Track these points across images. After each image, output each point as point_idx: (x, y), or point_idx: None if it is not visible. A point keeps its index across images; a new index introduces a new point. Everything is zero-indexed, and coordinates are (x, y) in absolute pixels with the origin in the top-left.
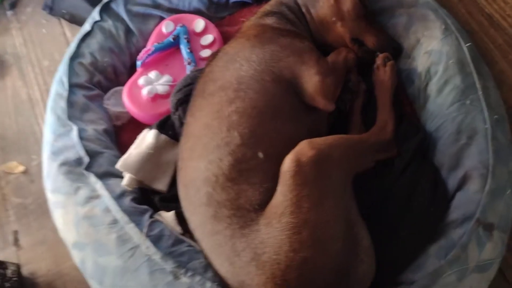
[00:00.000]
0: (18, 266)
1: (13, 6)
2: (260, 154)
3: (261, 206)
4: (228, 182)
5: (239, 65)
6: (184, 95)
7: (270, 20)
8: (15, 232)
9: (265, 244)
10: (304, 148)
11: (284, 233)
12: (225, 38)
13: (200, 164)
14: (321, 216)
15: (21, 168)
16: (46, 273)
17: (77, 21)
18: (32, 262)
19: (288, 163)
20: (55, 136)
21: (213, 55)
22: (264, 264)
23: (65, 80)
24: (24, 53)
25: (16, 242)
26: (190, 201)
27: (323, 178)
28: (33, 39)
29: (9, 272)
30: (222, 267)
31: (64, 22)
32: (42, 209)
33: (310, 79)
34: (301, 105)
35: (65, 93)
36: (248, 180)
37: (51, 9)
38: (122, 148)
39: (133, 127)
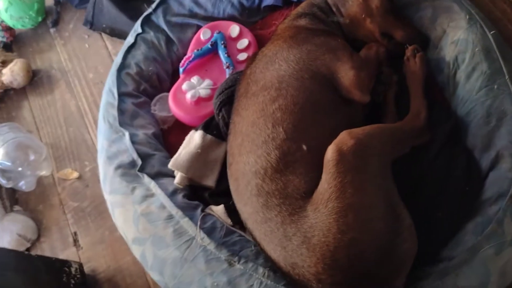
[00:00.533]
0: (80, 265)
1: (55, 23)
2: (304, 147)
3: (307, 194)
4: (276, 173)
5: (278, 66)
6: (227, 97)
7: (303, 21)
8: (75, 234)
9: (314, 228)
10: (344, 138)
11: (331, 217)
12: (259, 41)
13: (250, 159)
14: (364, 200)
15: (75, 174)
16: (106, 269)
17: (117, 34)
18: (92, 260)
19: (330, 153)
20: (109, 142)
21: (252, 58)
22: (314, 247)
23: (114, 90)
24: (69, 67)
25: (76, 242)
26: (241, 193)
27: (363, 165)
28: (77, 54)
29: (73, 270)
30: (275, 252)
31: (105, 35)
32: (98, 211)
33: (346, 74)
34: (338, 98)
35: (115, 102)
36: (295, 171)
37: (91, 24)
38: (170, 149)
39: (179, 129)
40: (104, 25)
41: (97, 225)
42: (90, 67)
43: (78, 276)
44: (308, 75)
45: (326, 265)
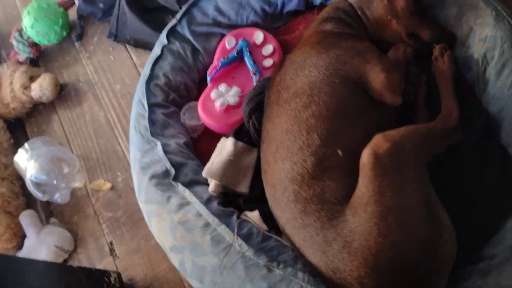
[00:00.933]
0: (119, 274)
1: (80, 37)
2: (340, 152)
3: (345, 199)
4: (313, 179)
5: (308, 72)
6: (256, 104)
7: (329, 26)
8: (111, 243)
9: (354, 232)
10: (379, 141)
11: (371, 221)
12: (283, 46)
13: (286, 166)
14: (403, 202)
15: (108, 185)
16: (143, 278)
17: (141, 45)
18: (130, 269)
19: (366, 156)
20: (141, 153)
21: (280, 65)
22: (356, 251)
23: (144, 101)
24: (96, 79)
25: (112, 252)
26: (278, 200)
27: (400, 167)
28: (102, 66)
29: (112, 279)
30: (315, 257)
31: (129, 47)
32: (132, 220)
33: (376, 77)
34: (370, 101)
35: (146, 113)
36: (331, 176)
37: (115, 37)
38: (201, 157)
39: (208, 137)
40: (128, 37)
41: (132, 234)
42: (117, 78)
43: (117, 285)
44: (339, 80)
45: (368, 269)
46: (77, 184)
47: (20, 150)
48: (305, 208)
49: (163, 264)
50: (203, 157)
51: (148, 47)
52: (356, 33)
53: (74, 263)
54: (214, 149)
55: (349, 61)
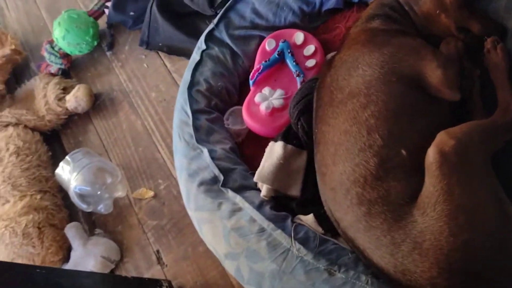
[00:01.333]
0: (169, 282)
1: (111, 47)
2: (403, 151)
3: (411, 199)
4: (377, 181)
5: (362, 71)
6: (304, 106)
7: (376, 24)
8: (157, 252)
9: (424, 233)
10: (443, 139)
11: (441, 220)
12: (323, 45)
13: (347, 168)
14: (473, 199)
15: (150, 193)
16: (193, 285)
17: (175, 51)
18: (179, 277)
19: (432, 155)
20: (188, 160)
21: (327, 65)
22: (427, 251)
23: (187, 108)
24: (130, 88)
25: (159, 260)
26: (340, 203)
27: (467, 164)
28: (136, 74)
29: None
30: (383, 259)
31: (162, 54)
32: (178, 228)
33: (433, 73)
34: (427, 98)
35: (189, 120)
36: (396, 176)
37: (147, 44)
38: (246, 162)
39: (252, 141)
40: (160, 44)
41: (178, 242)
42: (152, 86)
43: None
44: (395, 77)
45: (440, 269)
46: (120, 193)
47: (62, 163)
48: (370, 210)
49: (213, 271)
50: (249, 162)
51: (182, 53)
52: (405, 29)
53: (121, 273)
54: (258, 153)
55: (403, 59)
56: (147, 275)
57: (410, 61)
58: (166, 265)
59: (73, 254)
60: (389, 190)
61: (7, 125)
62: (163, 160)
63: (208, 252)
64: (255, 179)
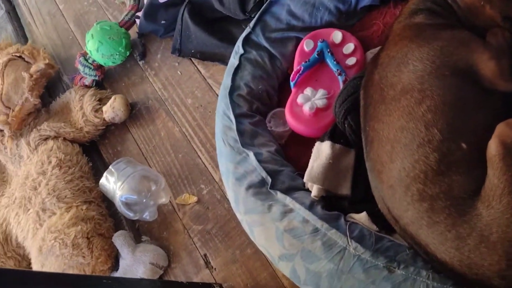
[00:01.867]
0: (220, 285)
1: (143, 56)
2: (464, 145)
3: (475, 192)
4: (438, 176)
5: (413, 67)
6: (351, 104)
7: (420, 18)
8: (205, 256)
9: (490, 226)
10: (504, 130)
11: (508, 212)
12: (362, 43)
13: (405, 165)
14: None
15: (194, 198)
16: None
17: (208, 57)
18: (229, 280)
19: (494, 147)
20: (234, 165)
21: (374, 63)
22: (495, 244)
23: (230, 113)
24: (166, 96)
25: (207, 264)
26: (399, 200)
27: None
28: (170, 82)
29: None
30: (448, 254)
31: (195, 60)
32: (224, 232)
33: (486, 65)
34: (481, 90)
35: (233, 125)
36: (458, 170)
37: (180, 51)
38: (291, 163)
39: (295, 142)
40: (193, 51)
41: (226, 246)
42: (187, 93)
43: None
44: (448, 71)
45: (510, 261)
46: (163, 200)
47: (106, 173)
48: (432, 206)
49: (263, 273)
50: (293, 163)
51: (215, 58)
52: (450, 23)
53: (170, 278)
54: (302, 153)
55: (455, 52)
56: (196, 279)
57: (461, 54)
58: (215, 269)
59: (122, 262)
60: (451, 185)
61: (46, 139)
62: (204, 166)
63: (257, 254)
64: (305, 180)
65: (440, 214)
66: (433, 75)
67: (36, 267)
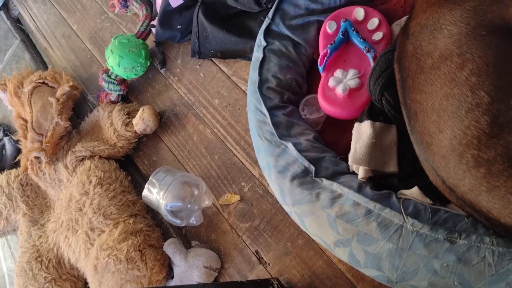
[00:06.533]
0: (278, 279)
1: (163, 64)
2: None
3: None
4: (492, 139)
5: (447, 32)
6: (386, 80)
7: None
8: (256, 252)
9: None
10: None
11: None
12: (385, 16)
13: (456, 132)
14: None
15: (236, 197)
16: (301, 279)
17: (229, 55)
18: (284, 273)
19: None
20: (274, 158)
21: (404, 34)
22: None
23: (261, 107)
24: (192, 100)
25: (261, 260)
26: (454, 169)
27: None
28: (195, 85)
29: (275, 286)
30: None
31: (216, 60)
32: (271, 226)
33: None
34: None
35: (267, 119)
36: (511, 131)
37: (199, 54)
38: (330, 148)
39: (331, 127)
40: (212, 51)
41: (276, 239)
42: (213, 93)
43: None
44: (485, 31)
45: None
46: (207, 203)
47: (147, 185)
48: (490, 170)
49: (318, 261)
50: (333, 147)
51: (237, 55)
52: None
53: (225, 279)
54: (340, 137)
55: (488, 10)
56: (251, 276)
57: (496, 11)
58: (269, 264)
59: (176, 270)
60: (507, 146)
61: (82, 159)
62: (241, 163)
63: (308, 243)
64: (350, 163)
65: (499, 177)
66: (470, 36)
67: (93, 286)
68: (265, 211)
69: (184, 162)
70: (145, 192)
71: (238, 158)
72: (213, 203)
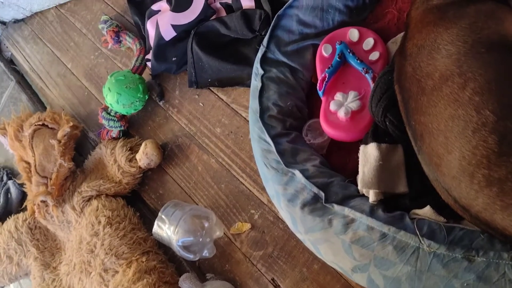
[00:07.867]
0: None
1: (162, 96)
2: None
3: None
4: (502, 157)
5: (445, 51)
6: (388, 101)
7: (437, 0)
8: (273, 280)
9: None
10: None
11: None
12: (379, 34)
13: (464, 153)
14: None
15: (247, 225)
16: None
17: (226, 83)
18: None
19: None
20: (282, 186)
21: (401, 55)
22: None
23: (265, 136)
24: (194, 130)
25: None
26: (466, 189)
27: None
28: (195, 115)
29: None
30: None
31: (214, 89)
32: (285, 252)
33: None
34: None
35: (271, 147)
36: None
37: (197, 83)
38: (337, 171)
39: (337, 150)
40: (209, 80)
41: (291, 265)
42: (214, 122)
43: None
44: (484, 48)
45: None
46: (218, 233)
47: (157, 221)
48: (502, 189)
49: (336, 285)
50: (339, 171)
51: (234, 82)
52: None
53: None
54: (346, 159)
55: (484, 26)
56: None
57: (491, 27)
58: None
59: None
60: None
61: (89, 199)
62: (249, 191)
63: (325, 267)
64: (359, 187)
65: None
66: (469, 55)
67: None
68: (278, 237)
69: (191, 194)
70: (155, 229)
71: (245, 186)
72: (224, 233)
